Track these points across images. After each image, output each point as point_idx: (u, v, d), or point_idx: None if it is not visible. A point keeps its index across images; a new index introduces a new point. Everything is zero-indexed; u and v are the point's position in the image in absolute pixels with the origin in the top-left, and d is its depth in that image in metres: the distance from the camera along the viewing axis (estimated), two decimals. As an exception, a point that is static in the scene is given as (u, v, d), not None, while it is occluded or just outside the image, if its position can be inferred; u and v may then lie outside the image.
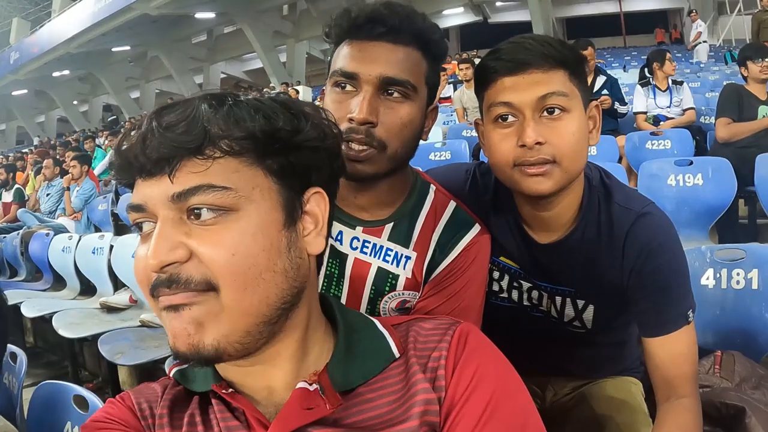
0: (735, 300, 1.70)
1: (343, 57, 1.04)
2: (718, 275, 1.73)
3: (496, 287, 1.32)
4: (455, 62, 11.62)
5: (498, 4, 23.22)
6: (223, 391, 0.69)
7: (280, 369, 0.70)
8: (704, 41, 11.69)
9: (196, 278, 0.61)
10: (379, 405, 0.69)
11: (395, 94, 1.03)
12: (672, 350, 1.11)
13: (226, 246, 0.61)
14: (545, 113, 1.04)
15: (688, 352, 1.12)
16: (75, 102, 30.21)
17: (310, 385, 0.68)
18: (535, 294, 1.28)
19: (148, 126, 0.63)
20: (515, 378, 0.71)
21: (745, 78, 3.88)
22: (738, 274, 1.71)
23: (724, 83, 4.11)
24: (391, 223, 1.15)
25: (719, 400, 1.35)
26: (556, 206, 1.14)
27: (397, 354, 0.73)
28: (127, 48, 24.32)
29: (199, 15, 21.21)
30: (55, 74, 26.27)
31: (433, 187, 1.20)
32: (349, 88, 1.04)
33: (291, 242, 0.67)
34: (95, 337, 2.68)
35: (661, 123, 4.80)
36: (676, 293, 1.12)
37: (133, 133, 0.65)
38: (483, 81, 1.10)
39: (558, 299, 1.26)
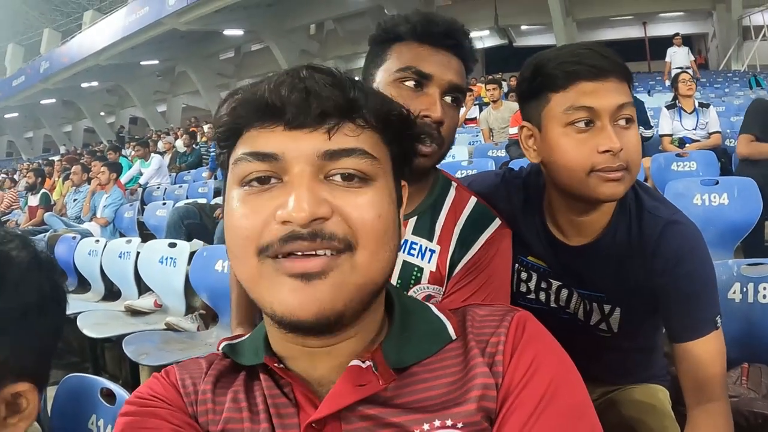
0: (762, 314, 1.69)
1: (416, 56, 1.11)
2: (744, 289, 1.72)
3: (523, 288, 1.33)
4: (480, 84, 11.71)
5: (523, 27, 23.23)
6: (276, 365, 0.68)
7: (342, 352, 0.67)
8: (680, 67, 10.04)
9: (339, 235, 0.61)
10: (436, 386, 0.67)
11: (451, 100, 1.13)
12: (702, 354, 1.12)
13: (374, 208, 0.63)
14: (618, 122, 1.07)
15: (717, 357, 1.13)
16: (102, 113, 30.67)
17: (363, 362, 0.67)
18: (564, 294, 1.29)
19: (311, 79, 0.63)
20: (572, 368, 0.69)
21: None
22: (765, 288, 1.70)
23: (754, 98, 4.00)
24: (415, 217, 1.19)
25: (747, 409, 1.36)
26: (597, 211, 1.17)
27: (453, 335, 0.71)
28: (156, 62, 24.70)
29: (227, 32, 21.45)
30: (84, 85, 26.74)
31: (454, 184, 1.25)
32: (417, 86, 1.11)
33: (398, 222, 0.69)
34: (119, 339, 2.67)
35: (687, 145, 4.79)
36: (704, 298, 1.13)
37: (277, 79, 0.64)
38: (552, 84, 1.10)
39: (585, 301, 1.27)
